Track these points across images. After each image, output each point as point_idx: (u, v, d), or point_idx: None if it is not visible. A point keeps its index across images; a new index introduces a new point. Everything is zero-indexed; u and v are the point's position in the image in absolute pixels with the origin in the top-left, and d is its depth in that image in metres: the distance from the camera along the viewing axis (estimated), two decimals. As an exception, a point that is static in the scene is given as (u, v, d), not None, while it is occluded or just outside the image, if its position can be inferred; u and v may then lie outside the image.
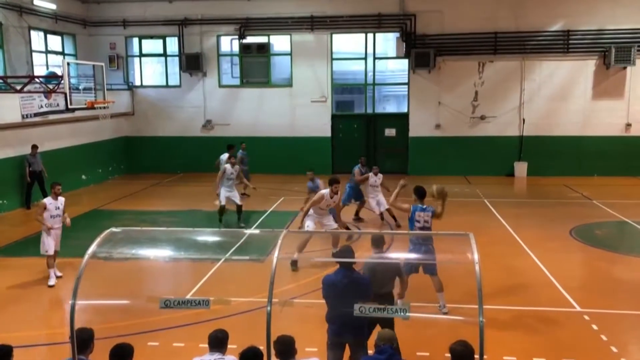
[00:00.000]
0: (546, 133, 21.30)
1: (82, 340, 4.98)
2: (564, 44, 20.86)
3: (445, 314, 8.38)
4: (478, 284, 4.48)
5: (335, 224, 11.43)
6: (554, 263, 11.03)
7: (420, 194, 8.94)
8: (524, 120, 21.40)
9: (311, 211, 11.17)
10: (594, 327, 8.18)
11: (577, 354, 7.42)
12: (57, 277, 10.28)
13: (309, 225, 11.12)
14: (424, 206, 8.78)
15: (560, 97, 21.19)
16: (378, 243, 6.97)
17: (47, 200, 10.36)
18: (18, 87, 14.82)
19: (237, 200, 14.07)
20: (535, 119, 21.32)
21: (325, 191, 11.11)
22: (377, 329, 5.88)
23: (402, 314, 4.67)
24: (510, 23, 20.87)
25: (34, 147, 16.66)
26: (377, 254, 6.95)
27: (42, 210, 10.20)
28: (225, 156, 16.26)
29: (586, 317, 8.49)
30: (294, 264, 10.75)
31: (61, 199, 10.40)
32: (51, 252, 10.17)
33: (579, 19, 20.67)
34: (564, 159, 21.18)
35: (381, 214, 14.23)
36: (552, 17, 20.71)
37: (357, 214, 14.64)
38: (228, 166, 13.99)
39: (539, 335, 7.94)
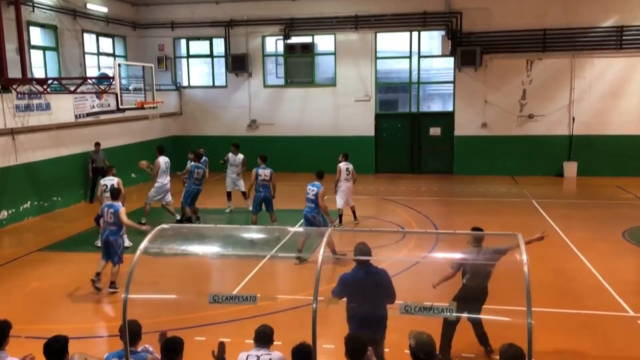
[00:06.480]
0: (597, 132, 20.67)
1: (133, 333, 5.11)
2: (617, 40, 20.15)
3: None
4: (527, 285, 4.40)
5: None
6: (605, 266, 10.70)
7: (319, 175, 11.79)
8: (574, 118, 20.83)
9: None
10: (649, 332, 7.92)
11: None
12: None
13: None
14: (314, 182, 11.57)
15: (613, 95, 20.52)
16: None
17: None
18: (72, 88, 15.30)
19: None
20: (586, 117, 20.71)
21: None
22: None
23: (448, 313, 4.62)
24: (560, 19, 20.31)
25: (97, 144, 17.45)
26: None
27: None
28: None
29: (640, 322, 8.23)
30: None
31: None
32: None
33: (633, 14, 19.94)
34: (617, 158, 20.47)
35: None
36: (604, 13, 20.05)
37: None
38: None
39: (589, 340, 7.73)
